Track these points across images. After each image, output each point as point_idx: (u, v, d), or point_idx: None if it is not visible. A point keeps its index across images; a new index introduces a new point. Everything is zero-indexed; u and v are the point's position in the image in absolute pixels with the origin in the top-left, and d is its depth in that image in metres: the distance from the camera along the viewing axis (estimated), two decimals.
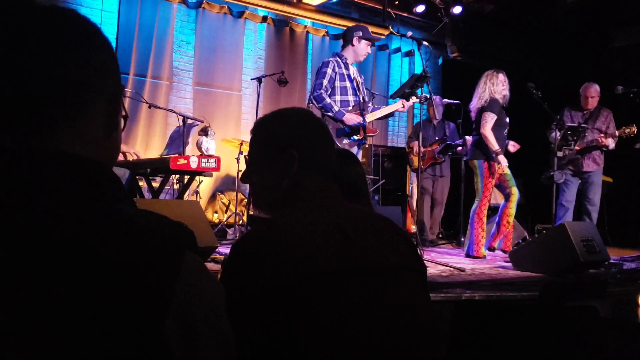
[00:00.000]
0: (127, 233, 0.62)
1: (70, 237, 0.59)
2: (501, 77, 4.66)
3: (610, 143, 5.04)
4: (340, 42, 7.10)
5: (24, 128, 0.66)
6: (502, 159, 4.57)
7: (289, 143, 1.20)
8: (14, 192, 0.61)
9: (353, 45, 4.15)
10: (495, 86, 4.62)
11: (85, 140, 0.70)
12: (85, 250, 0.59)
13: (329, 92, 4.01)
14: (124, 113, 0.81)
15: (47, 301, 0.56)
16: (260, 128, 1.27)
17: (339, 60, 4.11)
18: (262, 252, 1.01)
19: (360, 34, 4.15)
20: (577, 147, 5.07)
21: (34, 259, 0.57)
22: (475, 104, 4.73)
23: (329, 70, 4.02)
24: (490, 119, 4.58)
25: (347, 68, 4.12)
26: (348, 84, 4.10)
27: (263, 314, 0.96)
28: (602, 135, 5.01)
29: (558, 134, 4.96)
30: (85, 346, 0.56)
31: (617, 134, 5.08)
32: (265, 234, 1.05)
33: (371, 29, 4.97)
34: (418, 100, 4.42)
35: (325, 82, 3.99)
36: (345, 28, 6.86)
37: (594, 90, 5.16)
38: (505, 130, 4.71)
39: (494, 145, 4.53)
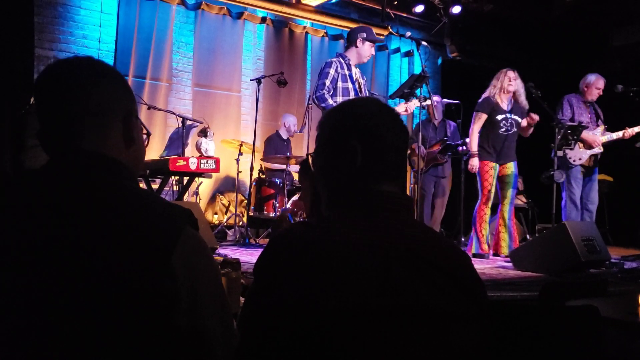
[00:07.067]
0: (143, 204, 0.90)
1: (101, 200, 0.88)
2: (510, 74, 4.68)
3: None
4: (340, 42, 7.18)
5: (68, 136, 0.97)
6: (473, 161, 4.70)
7: (351, 133, 1.06)
8: (68, 170, 0.93)
9: (357, 46, 4.13)
10: (501, 82, 4.65)
11: (108, 146, 0.98)
12: (113, 211, 0.87)
13: (331, 92, 3.99)
14: (145, 131, 1.10)
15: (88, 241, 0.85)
16: (328, 114, 1.14)
17: (342, 61, 4.08)
18: (291, 259, 0.94)
19: (365, 35, 4.13)
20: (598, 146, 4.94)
21: (83, 209, 0.87)
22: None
23: (332, 71, 3.99)
24: (477, 118, 4.71)
25: (349, 69, 4.10)
26: (350, 85, 4.07)
27: (279, 322, 0.91)
28: (626, 129, 4.89)
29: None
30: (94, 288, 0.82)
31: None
32: (301, 240, 0.96)
33: None
34: (419, 103, 4.41)
35: (327, 82, 3.96)
36: (344, 29, 6.91)
37: (603, 82, 4.98)
38: (503, 130, 4.68)
39: (472, 146, 4.73)
